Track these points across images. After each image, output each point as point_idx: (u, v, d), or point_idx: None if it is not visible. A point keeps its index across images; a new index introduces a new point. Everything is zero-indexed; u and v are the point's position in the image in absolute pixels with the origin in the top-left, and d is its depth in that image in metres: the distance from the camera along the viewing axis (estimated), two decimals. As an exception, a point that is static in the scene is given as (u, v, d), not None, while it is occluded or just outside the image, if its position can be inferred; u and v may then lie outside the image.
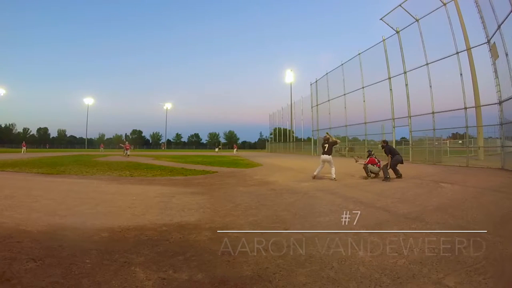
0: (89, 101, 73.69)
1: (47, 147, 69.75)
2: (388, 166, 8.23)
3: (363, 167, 8.41)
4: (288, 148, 38.95)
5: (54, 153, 30.39)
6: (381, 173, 8.18)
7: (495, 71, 12.21)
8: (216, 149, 42.19)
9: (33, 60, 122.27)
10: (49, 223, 3.53)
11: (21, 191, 5.67)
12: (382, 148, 8.83)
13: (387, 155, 8.52)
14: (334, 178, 7.60)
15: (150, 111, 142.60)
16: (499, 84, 12.04)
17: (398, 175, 8.32)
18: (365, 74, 21.07)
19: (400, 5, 16.30)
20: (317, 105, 29.32)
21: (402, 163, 8.49)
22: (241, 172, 10.70)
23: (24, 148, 29.42)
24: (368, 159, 8.39)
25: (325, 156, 7.78)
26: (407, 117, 16.98)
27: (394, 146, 17.33)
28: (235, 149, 40.67)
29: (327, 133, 8.82)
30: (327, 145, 7.91)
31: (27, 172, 9.51)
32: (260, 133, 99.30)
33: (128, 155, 23.25)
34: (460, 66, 13.83)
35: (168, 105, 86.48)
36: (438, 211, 4.25)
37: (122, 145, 24.90)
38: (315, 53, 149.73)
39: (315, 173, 8.05)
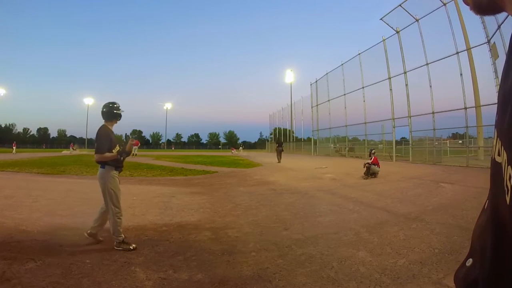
0: (89, 101, 73.57)
1: (44, 147, 69.18)
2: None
3: (367, 167, 8.41)
4: (288, 148, 38.86)
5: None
6: (380, 173, 8.27)
7: (495, 71, 12.19)
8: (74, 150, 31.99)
9: (33, 61, 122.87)
10: (49, 223, 3.53)
11: (21, 191, 5.67)
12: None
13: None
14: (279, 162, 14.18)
15: (150, 111, 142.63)
16: (499, 84, 11.98)
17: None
18: (365, 74, 21.01)
19: (400, 5, 16.27)
20: (317, 105, 29.27)
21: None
22: (241, 172, 10.70)
23: (15, 148, 29.16)
24: (373, 158, 8.41)
25: (280, 149, 15.00)
26: (407, 117, 16.94)
27: (394, 146, 17.49)
28: (240, 149, 43.67)
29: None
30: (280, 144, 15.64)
31: (27, 172, 9.51)
32: (260, 133, 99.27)
33: (135, 154, 21.49)
34: (460, 66, 13.78)
35: (168, 105, 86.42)
36: (438, 211, 4.24)
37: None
38: (315, 53, 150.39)
39: (278, 161, 13.79)
